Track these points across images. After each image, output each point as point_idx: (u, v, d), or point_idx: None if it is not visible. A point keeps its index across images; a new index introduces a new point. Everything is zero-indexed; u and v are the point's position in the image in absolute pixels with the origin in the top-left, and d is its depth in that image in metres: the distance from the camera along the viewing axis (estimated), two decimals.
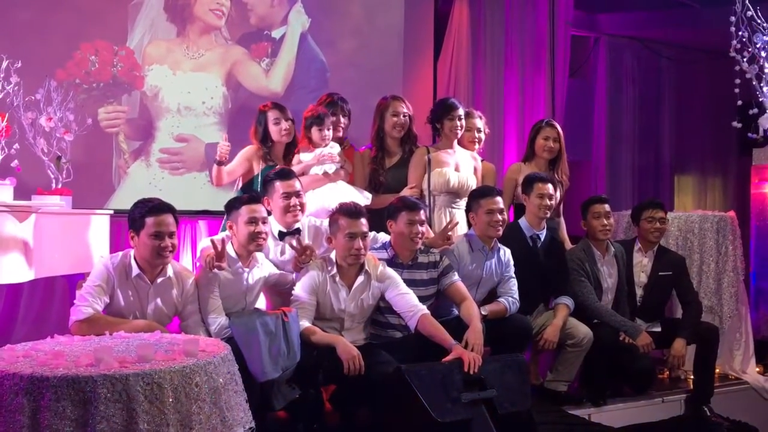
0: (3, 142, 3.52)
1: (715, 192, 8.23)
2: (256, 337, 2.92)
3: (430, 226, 3.99)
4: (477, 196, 3.84)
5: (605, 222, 4.18)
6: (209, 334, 3.14)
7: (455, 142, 4.27)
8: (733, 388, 4.57)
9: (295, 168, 3.91)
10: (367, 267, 3.41)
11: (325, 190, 3.96)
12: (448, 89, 5.72)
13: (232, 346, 2.68)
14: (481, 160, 4.46)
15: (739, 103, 4.84)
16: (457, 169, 4.20)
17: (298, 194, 3.56)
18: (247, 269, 3.35)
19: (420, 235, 3.54)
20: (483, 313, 3.59)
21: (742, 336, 4.82)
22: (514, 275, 3.85)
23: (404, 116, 4.26)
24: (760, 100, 4.86)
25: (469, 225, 3.95)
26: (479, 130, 4.48)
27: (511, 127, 6.01)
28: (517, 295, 3.80)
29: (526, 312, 3.93)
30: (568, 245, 4.40)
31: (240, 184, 4.09)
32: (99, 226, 3.78)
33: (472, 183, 4.20)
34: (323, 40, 5.38)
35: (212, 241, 3.21)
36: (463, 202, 4.14)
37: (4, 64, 3.61)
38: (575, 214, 4.41)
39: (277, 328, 3.00)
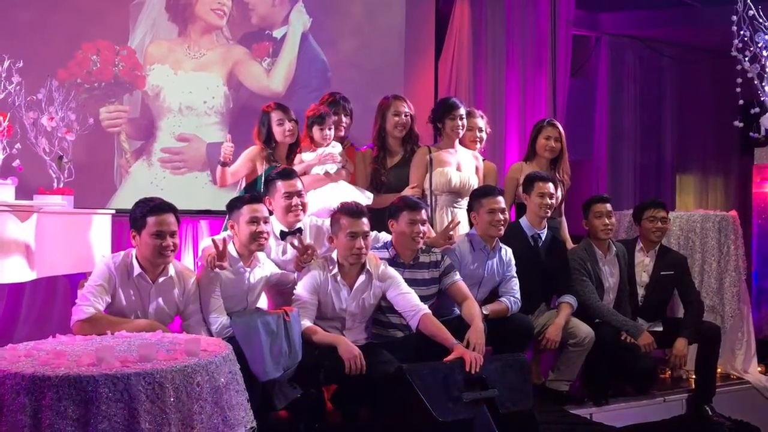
0: (5, 142, 3.52)
1: (716, 191, 8.22)
2: (257, 336, 2.92)
3: (432, 226, 3.99)
4: (478, 196, 3.83)
5: (607, 221, 4.17)
6: (211, 334, 3.14)
7: (457, 141, 4.27)
8: (735, 388, 4.57)
9: (297, 167, 3.91)
10: (368, 266, 3.41)
11: (327, 190, 3.96)
12: (450, 89, 5.72)
13: (233, 346, 2.69)
14: (483, 160, 4.46)
15: (741, 102, 4.83)
16: (458, 169, 4.20)
17: (299, 194, 3.56)
18: (248, 269, 3.35)
19: (421, 235, 3.54)
20: (484, 312, 3.59)
21: (743, 336, 4.81)
22: (515, 275, 3.85)
23: (406, 116, 4.26)
24: (762, 99, 4.85)
25: (471, 224, 3.95)
26: (481, 130, 4.47)
27: (513, 126, 6.01)
28: (518, 295, 3.80)
29: (528, 311, 3.92)
30: (570, 245, 4.40)
31: (243, 185, 4.09)
32: (100, 226, 3.78)
33: (474, 182, 4.20)
34: (324, 39, 5.38)
35: (213, 241, 3.22)
36: (464, 202, 4.14)
37: (6, 63, 3.61)
38: (577, 214, 4.41)
39: (279, 327, 3.00)
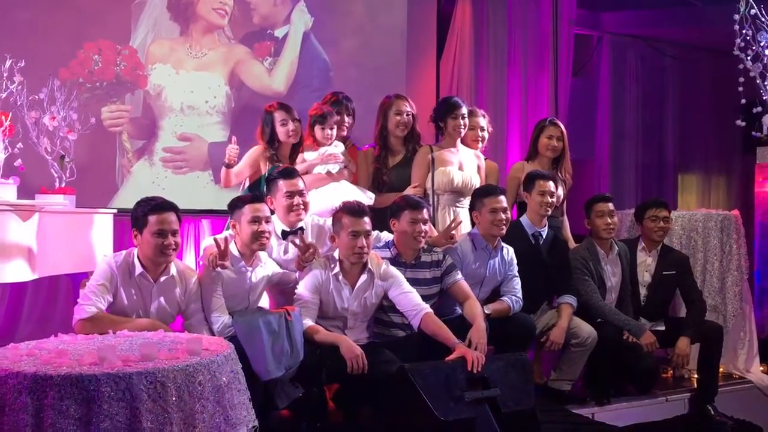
0: (6, 142, 3.52)
1: (719, 191, 8.21)
2: (259, 335, 2.92)
3: (434, 225, 3.98)
4: (480, 195, 3.83)
5: (609, 221, 4.17)
6: (212, 333, 3.14)
7: (458, 140, 4.27)
8: (737, 387, 4.56)
9: (299, 167, 3.91)
10: (370, 266, 3.41)
11: (329, 190, 3.96)
12: (451, 88, 5.72)
13: (235, 345, 2.69)
14: (485, 159, 4.46)
15: (743, 101, 4.82)
16: (460, 168, 4.20)
17: (301, 193, 3.56)
18: (250, 268, 3.35)
19: (423, 234, 3.54)
20: (486, 311, 3.58)
21: (746, 335, 4.80)
22: (517, 274, 3.85)
23: (407, 115, 4.26)
24: (764, 98, 4.84)
25: (473, 224, 3.95)
26: (482, 129, 4.47)
27: (514, 125, 6.01)
28: (520, 294, 3.79)
29: (530, 311, 3.92)
30: (572, 244, 4.39)
31: (247, 184, 4.09)
32: (102, 225, 3.79)
33: (476, 182, 4.20)
34: (326, 39, 5.38)
35: (215, 240, 3.22)
36: (466, 201, 4.14)
37: (8, 63, 3.61)
38: (579, 213, 4.40)
39: (280, 326, 3.00)
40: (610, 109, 7.26)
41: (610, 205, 4.22)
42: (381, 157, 4.27)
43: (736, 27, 4.77)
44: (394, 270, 3.46)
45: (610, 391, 4.05)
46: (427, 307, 3.37)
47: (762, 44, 4.77)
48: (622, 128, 7.36)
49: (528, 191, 4.05)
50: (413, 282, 3.48)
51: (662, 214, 4.36)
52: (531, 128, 4.78)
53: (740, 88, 4.80)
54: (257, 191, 3.77)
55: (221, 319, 3.19)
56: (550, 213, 4.06)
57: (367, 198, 3.97)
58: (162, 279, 3.12)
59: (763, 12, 4.76)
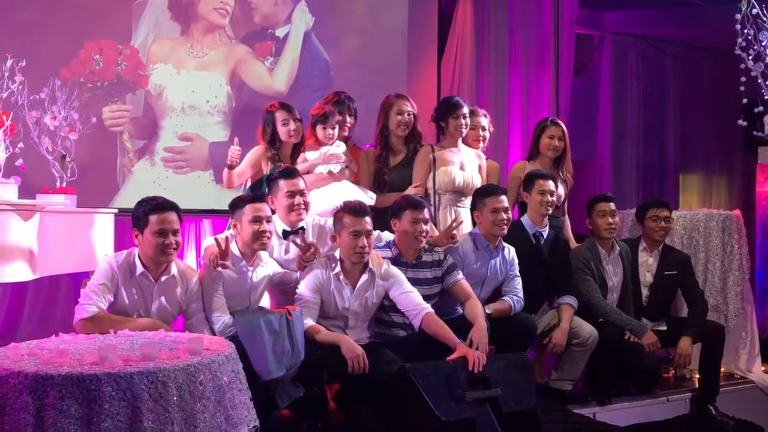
0: (7, 141, 3.52)
1: (720, 190, 8.20)
2: (260, 335, 2.92)
3: (435, 225, 3.98)
4: (482, 195, 3.83)
5: (610, 220, 4.16)
6: (213, 333, 3.14)
7: (460, 140, 4.27)
8: (739, 387, 4.55)
9: (300, 166, 3.91)
10: (371, 265, 3.41)
11: (330, 189, 3.96)
12: (452, 88, 5.72)
13: (236, 345, 2.69)
14: (486, 159, 4.45)
15: (745, 101, 4.81)
16: (462, 168, 4.20)
17: (302, 193, 3.56)
18: (251, 268, 3.35)
19: (424, 234, 3.54)
20: (487, 311, 3.58)
21: (747, 335, 4.80)
22: (518, 274, 3.84)
23: (408, 115, 4.26)
24: (766, 98, 4.83)
25: (474, 223, 3.94)
26: (484, 129, 4.47)
27: (516, 125, 6.01)
28: (521, 294, 3.79)
29: (531, 311, 3.92)
30: (573, 244, 4.39)
31: (248, 184, 4.09)
32: (103, 225, 3.79)
33: (477, 181, 4.19)
34: (327, 38, 5.38)
35: (216, 240, 3.21)
36: (468, 201, 4.14)
37: (9, 63, 3.62)
38: (580, 213, 4.40)
39: (281, 326, 3.00)
40: (611, 108, 7.25)
41: (612, 205, 4.21)
42: (382, 156, 4.27)
43: (738, 26, 4.76)
44: (395, 270, 3.46)
45: (611, 391, 4.04)
46: (428, 307, 3.37)
47: (763, 44, 4.76)
48: (624, 128, 7.35)
49: (528, 191, 4.04)
50: (414, 282, 3.48)
51: (663, 213, 4.35)
52: (532, 128, 4.77)
53: (742, 88, 4.79)
54: (259, 191, 3.77)
55: (222, 318, 3.19)
56: (550, 212, 4.05)
57: (369, 198, 3.97)
58: (163, 279, 3.11)
59: (765, 11, 4.76)
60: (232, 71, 5.14)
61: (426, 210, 3.56)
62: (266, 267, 3.43)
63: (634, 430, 3.87)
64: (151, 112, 4.97)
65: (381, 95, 4.40)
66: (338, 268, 3.38)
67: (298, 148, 4.07)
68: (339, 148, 4.06)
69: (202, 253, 3.49)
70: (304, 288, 3.34)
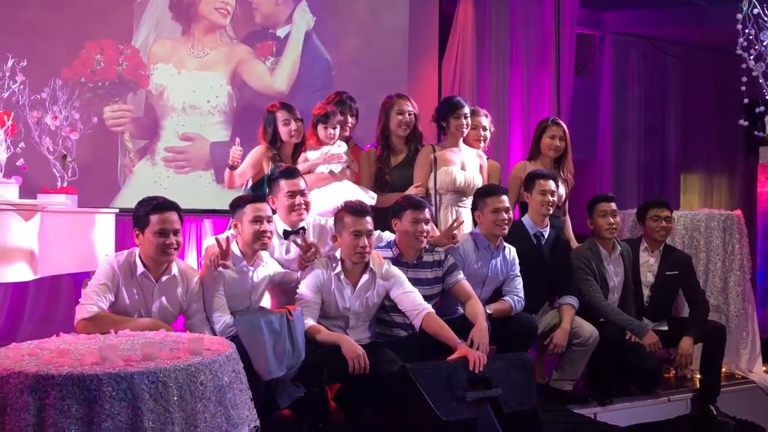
0: (9, 141, 3.53)
1: (721, 190, 8.20)
2: (260, 335, 2.92)
3: (436, 225, 3.98)
4: (483, 195, 3.83)
5: (611, 220, 4.16)
6: (214, 333, 3.14)
7: (461, 140, 4.26)
8: (740, 388, 4.55)
9: (301, 166, 3.91)
10: (372, 265, 3.41)
11: (331, 189, 3.96)
12: (453, 88, 5.72)
13: (236, 345, 2.69)
14: (487, 159, 4.45)
15: (746, 101, 4.81)
16: (463, 168, 4.19)
17: (302, 193, 3.56)
18: (251, 268, 3.35)
19: (425, 234, 3.53)
20: (488, 311, 3.58)
21: (748, 335, 4.79)
22: (519, 274, 3.84)
23: (409, 115, 4.26)
24: (767, 98, 4.83)
25: (475, 223, 3.94)
26: (485, 128, 4.47)
27: (517, 125, 6.00)
28: (522, 294, 3.79)
29: (531, 310, 3.92)
30: (575, 244, 4.39)
31: (250, 184, 4.09)
32: (104, 225, 3.79)
33: (478, 181, 4.19)
34: (328, 38, 5.38)
35: (217, 240, 3.21)
36: (469, 201, 4.13)
37: (10, 62, 3.62)
38: (581, 213, 4.40)
39: (282, 326, 3.00)
40: (612, 108, 7.25)
41: (613, 205, 4.21)
42: (383, 156, 4.27)
43: (739, 26, 4.76)
44: (395, 270, 3.46)
45: (612, 391, 4.04)
46: (428, 307, 3.37)
47: (765, 44, 4.75)
48: (625, 128, 7.35)
49: (528, 191, 4.04)
50: (415, 282, 3.48)
51: (664, 213, 4.35)
52: (533, 128, 4.77)
53: (743, 88, 4.79)
54: (260, 191, 3.77)
55: (223, 318, 3.19)
56: (551, 212, 4.05)
57: (369, 198, 3.97)
58: (164, 278, 3.11)
59: (766, 11, 4.75)
60: (233, 71, 5.14)
61: (427, 210, 3.56)
62: (267, 267, 3.43)
63: (635, 431, 3.87)
64: (152, 112, 4.97)
65: (382, 95, 4.40)
66: (339, 268, 3.37)
67: (299, 148, 4.07)
68: (340, 148, 4.06)
69: (202, 253, 3.49)
70: (304, 288, 3.34)
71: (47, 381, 2.15)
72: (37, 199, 3.58)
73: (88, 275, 3.38)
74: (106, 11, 4.85)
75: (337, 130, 4.04)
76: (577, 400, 3.95)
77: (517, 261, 3.86)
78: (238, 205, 3.34)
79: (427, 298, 3.45)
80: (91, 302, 2.96)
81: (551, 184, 4.00)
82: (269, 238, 3.33)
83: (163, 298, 3.13)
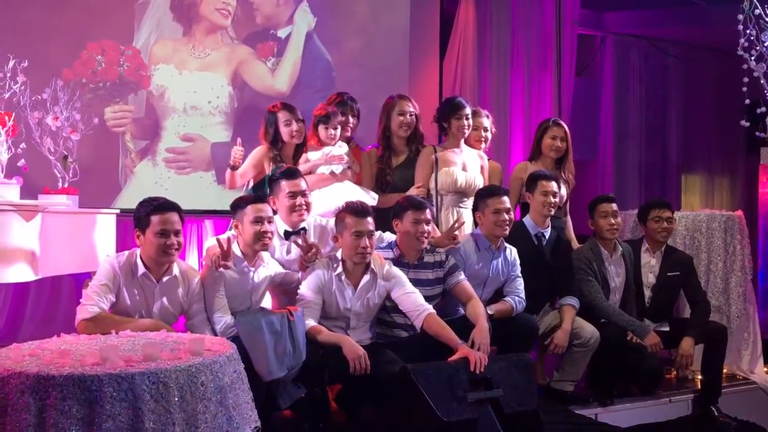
0: (10, 142, 3.53)
1: (722, 191, 8.19)
2: (261, 336, 2.92)
3: (437, 226, 3.98)
4: (484, 196, 3.83)
5: (612, 221, 4.16)
6: (215, 333, 3.14)
7: (462, 141, 4.26)
8: (741, 388, 4.55)
9: (302, 167, 3.91)
10: (373, 266, 3.41)
11: (332, 190, 3.96)
12: (454, 88, 5.72)
13: (237, 345, 2.68)
14: (488, 159, 4.45)
15: (747, 101, 4.80)
16: (464, 169, 4.19)
17: (303, 193, 3.56)
18: (252, 268, 3.35)
19: (426, 235, 3.53)
20: (489, 312, 3.58)
21: (750, 336, 4.79)
22: (520, 275, 3.84)
23: (411, 115, 4.26)
24: None
25: (476, 224, 3.94)
26: (486, 129, 4.47)
27: (518, 126, 6.00)
28: (523, 295, 3.79)
29: (532, 311, 3.91)
30: (575, 244, 4.39)
31: (251, 185, 4.09)
32: (105, 226, 3.79)
33: (480, 182, 4.19)
34: (329, 39, 5.38)
35: (218, 240, 3.21)
36: (470, 202, 4.13)
37: (11, 63, 3.62)
38: (582, 214, 4.40)
39: (283, 327, 3.00)
40: (613, 109, 7.25)
41: (614, 206, 4.21)
42: (384, 157, 4.27)
43: (740, 27, 4.75)
44: (396, 270, 3.46)
45: (613, 392, 4.04)
46: (429, 308, 3.37)
47: (766, 44, 4.75)
48: (626, 128, 7.35)
49: (530, 192, 4.04)
50: (416, 282, 3.48)
51: (666, 214, 4.35)
52: (534, 128, 4.77)
53: (744, 88, 4.78)
54: (261, 192, 3.77)
55: (224, 319, 3.19)
56: (552, 213, 4.05)
57: (371, 198, 3.96)
58: (165, 279, 3.11)
59: None
60: (234, 72, 5.14)
61: (428, 211, 3.56)
62: (268, 267, 3.43)
63: (636, 431, 3.86)
64: (153, 112, 4.97)
65: (383, 96, 4.40)
66: (340, 269, 3.37)
67: (300, 149, 4.07)
68: (341, 148, 4.06)
69: (203, 253, 3.49)
70: (305, 288, 3.34)
71: (48, 381, 2.15)
72: (38, 200, 3.58)
73: (89, 276, 3.38)
74: (107, 12, 4.85)
75: (338, 131, 4.04)
76: (578, 400, 3.95)
77: (518, 262, 3.86)
78: (238, 205, 3.34)
79: (428, 298, 3.45)
80: (92, 303, 2.96)
81: (554, 185, 4.00)
82: (270, 238, 3.32)
83: (164, 299, 3.13)
